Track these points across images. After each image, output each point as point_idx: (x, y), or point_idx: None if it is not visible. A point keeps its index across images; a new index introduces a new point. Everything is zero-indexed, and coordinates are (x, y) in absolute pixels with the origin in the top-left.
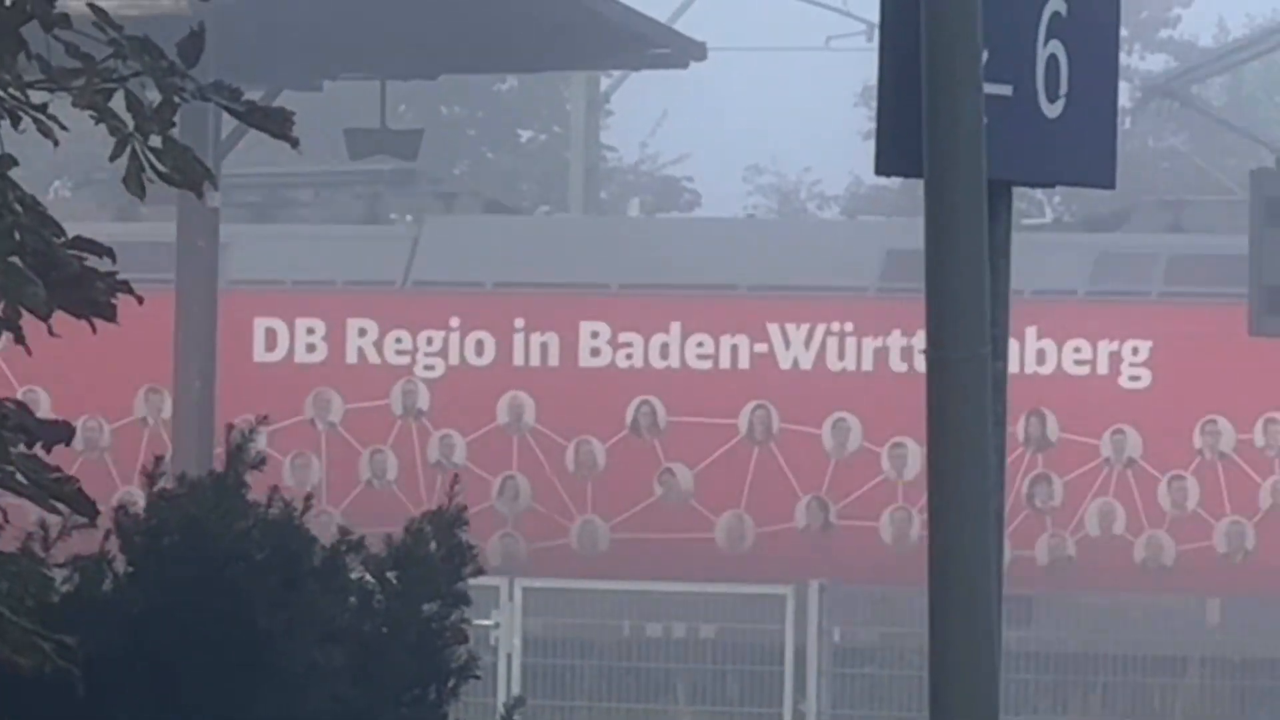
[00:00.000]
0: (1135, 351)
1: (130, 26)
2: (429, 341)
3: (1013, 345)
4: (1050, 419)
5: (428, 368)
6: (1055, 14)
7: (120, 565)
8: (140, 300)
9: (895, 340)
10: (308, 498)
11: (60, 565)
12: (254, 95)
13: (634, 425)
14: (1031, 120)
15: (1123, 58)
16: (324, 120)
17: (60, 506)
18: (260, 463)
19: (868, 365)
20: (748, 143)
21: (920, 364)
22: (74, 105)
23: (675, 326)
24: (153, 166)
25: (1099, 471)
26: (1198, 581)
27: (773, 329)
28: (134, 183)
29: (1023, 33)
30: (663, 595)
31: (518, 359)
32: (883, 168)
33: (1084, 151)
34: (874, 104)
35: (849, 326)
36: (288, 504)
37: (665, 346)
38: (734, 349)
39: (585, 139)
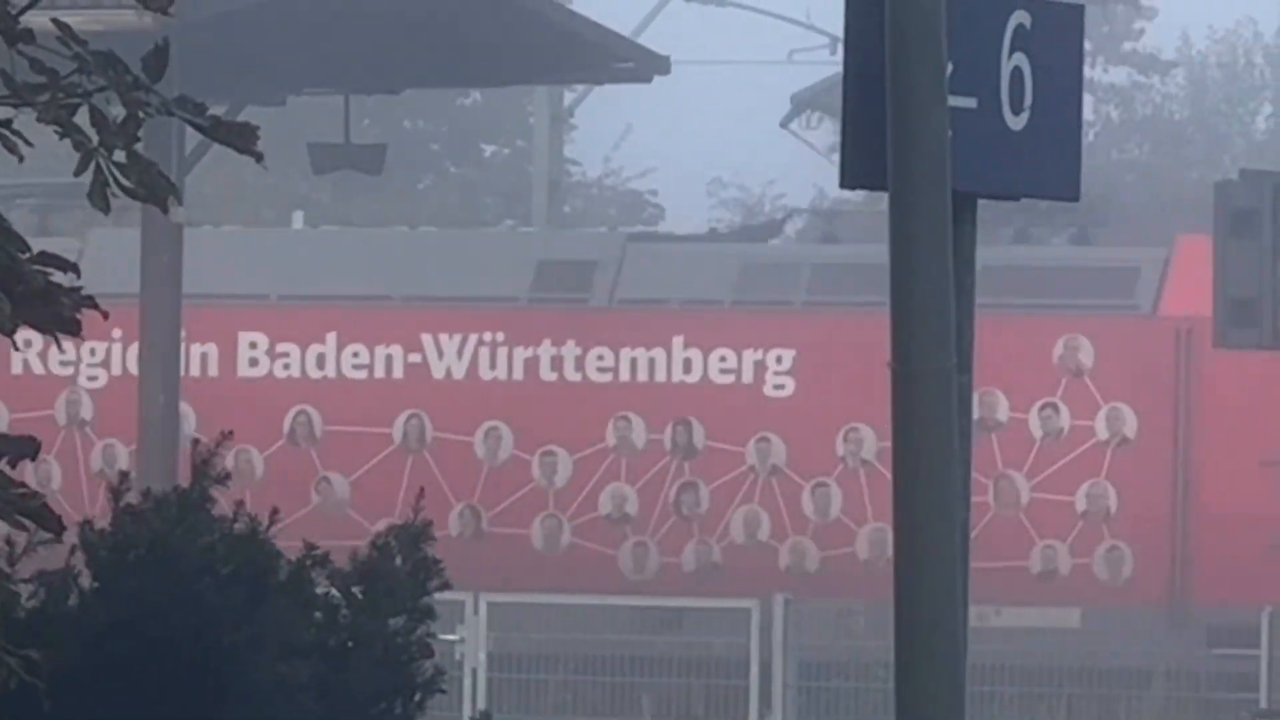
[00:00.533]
0: (779, 360)
1: (94, 42)
2: (92, 352)
3: (659, 354)
4: (697, 427)
5: (91, 378)
6: (1019, 27)
7: (86, 580)
8: (106, 315)
9: (545, 350)
10: (273, 513)
11: (26, 580)
12: (218, 110)
13: (291, 435)
14: (996, 133)
15: (1086, 70)
16: (288, 135)
17: (25, 521)
18: (226, 478)
19: (519, 374)
20: (712, 156)
21: (569, 373)
22: (39, 120)
23: (331, 337)
24: (117, 181)
25: (744, 479)
26: (841, 587)
27: (426, 339)
28: (99, 197)
29: (987, 46)
30: (626, 610)
31: None
32: (847, 181)
33: (1048, 163)
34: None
35: (500, 336)
36: (253, 519)
37: (322, 357)
38: (388, 359)
39: (549, 153)
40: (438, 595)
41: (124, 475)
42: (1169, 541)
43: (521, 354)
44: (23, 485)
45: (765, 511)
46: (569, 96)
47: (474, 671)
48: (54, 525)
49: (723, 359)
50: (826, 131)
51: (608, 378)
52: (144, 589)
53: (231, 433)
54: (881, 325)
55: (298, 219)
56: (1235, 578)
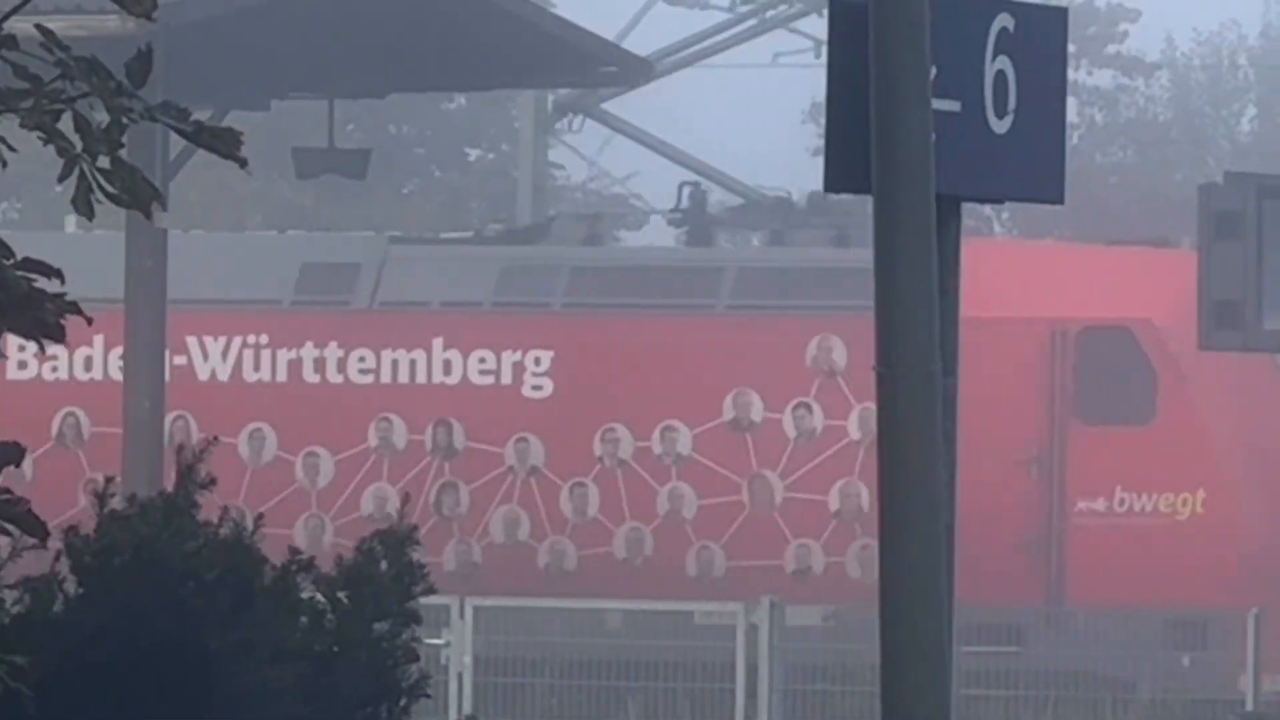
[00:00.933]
0: (538, 362)
1: (78, 47)
2: None
3: (420, 356)
4: (457, 428)
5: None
6: (1003, 30)
7: (71, 586)
8: (90, 321)
9: (309, 352)
10: (259, 517)
11: (10, 586)
12: (202, 115)
13: (59, 437)
14: (980, 136)
15: (1070, 73)
16: (272, 140)
17: (9, 527)
18: (211, 483)
19: (282, 376)
20: (696, 160)
21: (332, 375)
22: (22, 126)
23: (99, 340)
24: (101, 187)
25: (504, 479)
26: (599, 586)
27: (191, 341)
28: (82, 203)
29: (971, 49)
30: (613, 613)
31: None
32: (831, 184)
33: (1032, 167)
34: (822, 121)
35: (264, 339)
36: (238, 524)
37: (89, 359)
38: None
39: (534, 157)
40: (423, 599)
41: (108, 480)
42: None
43: (285, 356)
44: (6, 491)
45: (524, 511)
46: (553, 100)
47: (460, 676)
48: (38, 530)
49: (482, 360)
50: (590, 135)
51: (369, 379)
52: (129, 594)
53: (216, 438)
54: (639, 327)
55: (70, 222)
56: (986, 576)
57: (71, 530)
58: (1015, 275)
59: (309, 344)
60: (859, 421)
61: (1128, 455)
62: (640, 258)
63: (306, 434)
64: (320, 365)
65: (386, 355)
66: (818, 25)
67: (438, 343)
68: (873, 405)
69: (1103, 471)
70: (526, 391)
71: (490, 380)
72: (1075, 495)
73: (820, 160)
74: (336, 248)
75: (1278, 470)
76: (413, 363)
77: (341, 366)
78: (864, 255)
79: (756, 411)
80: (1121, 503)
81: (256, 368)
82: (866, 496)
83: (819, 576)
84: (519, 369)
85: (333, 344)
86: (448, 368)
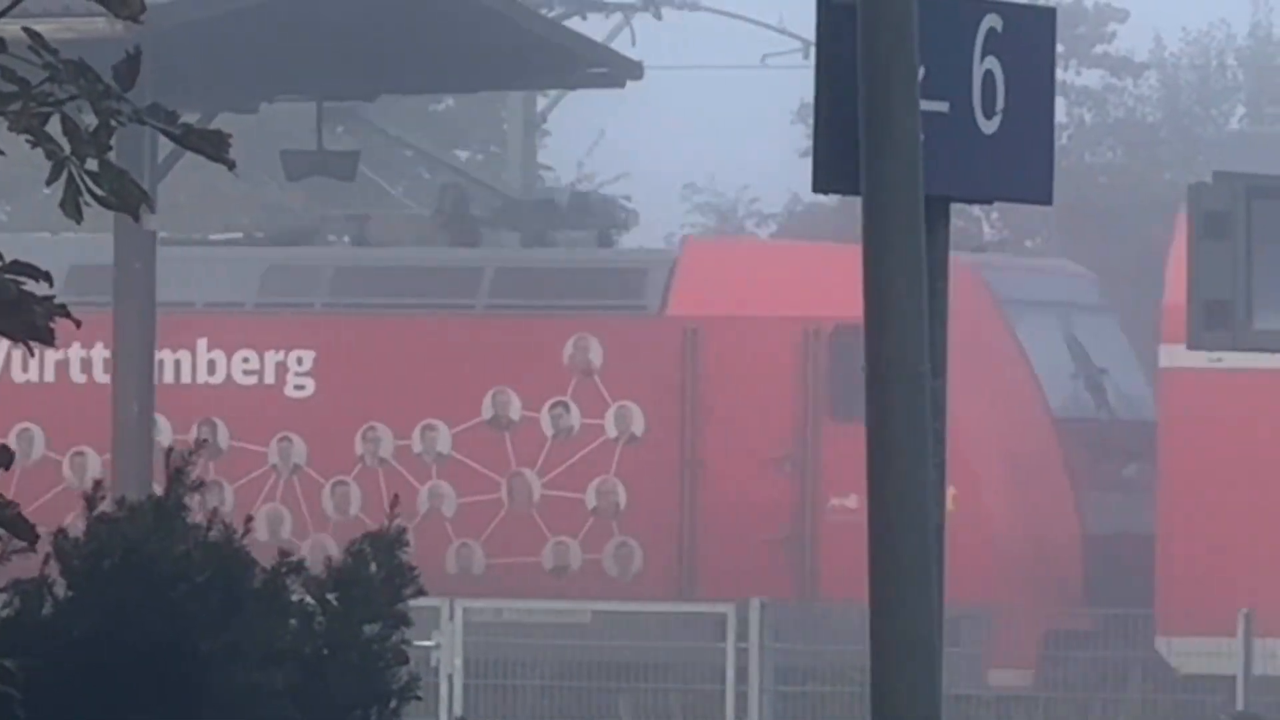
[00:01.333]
0: (300, 361)
1: (66, 50)
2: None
3: (184, 356)
4: (221, 427)
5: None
6: (991, 30)
7: (60, 589)
8: (78, 324)
9: (75, 352)
10: (248, 519)
11: (0, 590)
12: (190, 118)
13: None
14: (968, 136)
15: (1059, 73)
16: (261, 142)
17: None
18: (199, 486)
19: (50, 377)
20: (685, 161)
21: (98, 375)
22: (10, 129)
23: None
24: (89, 190)
25: (267, 478)
26: None
27: None
28: (70, 206)
29: (959, 49)
30: (603, 614)
31: None
32: (820, 185)
33: (1021, 167)
34: (811, 121)
35: None
36: (227, 526)
37: None
38: None
39: (523, 159)
40: (413, 601)
41: (97, 484)
42: (676, 537)
43: (53, 356)
44: None
45: (287, 509)
46: (542, 102)
47: (450, 678)
48: (28, 534)
49: (245, 360)
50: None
51: None
52: (119, 597)
53: (205, 441)
54: (400, 327)
55: None
56: (738, 571)
57: (60, 533)
58: (769, 274)
59: (76, 344)
60: (615, 420)
61: None
62: (401, 258)
63: (74, 434)
64: (87, 365)
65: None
66: (807, 26)
67: (202, 343)
68: (627, 403)
69: (855, 468)
70: (289, 391)
71: (254, 380)
72: (828, 492)
73: (809, 161)
74: (105, 249)
75: (1029, 469)
76: (178, 362)
77: (108, 366)
78: (624, 256)
79: (515, 410)
80: None
81: (25, 368)
82: (623, 494)
83: (576, 573)
84: (282, 369)
85: (99, 344)
86: (212, 367)
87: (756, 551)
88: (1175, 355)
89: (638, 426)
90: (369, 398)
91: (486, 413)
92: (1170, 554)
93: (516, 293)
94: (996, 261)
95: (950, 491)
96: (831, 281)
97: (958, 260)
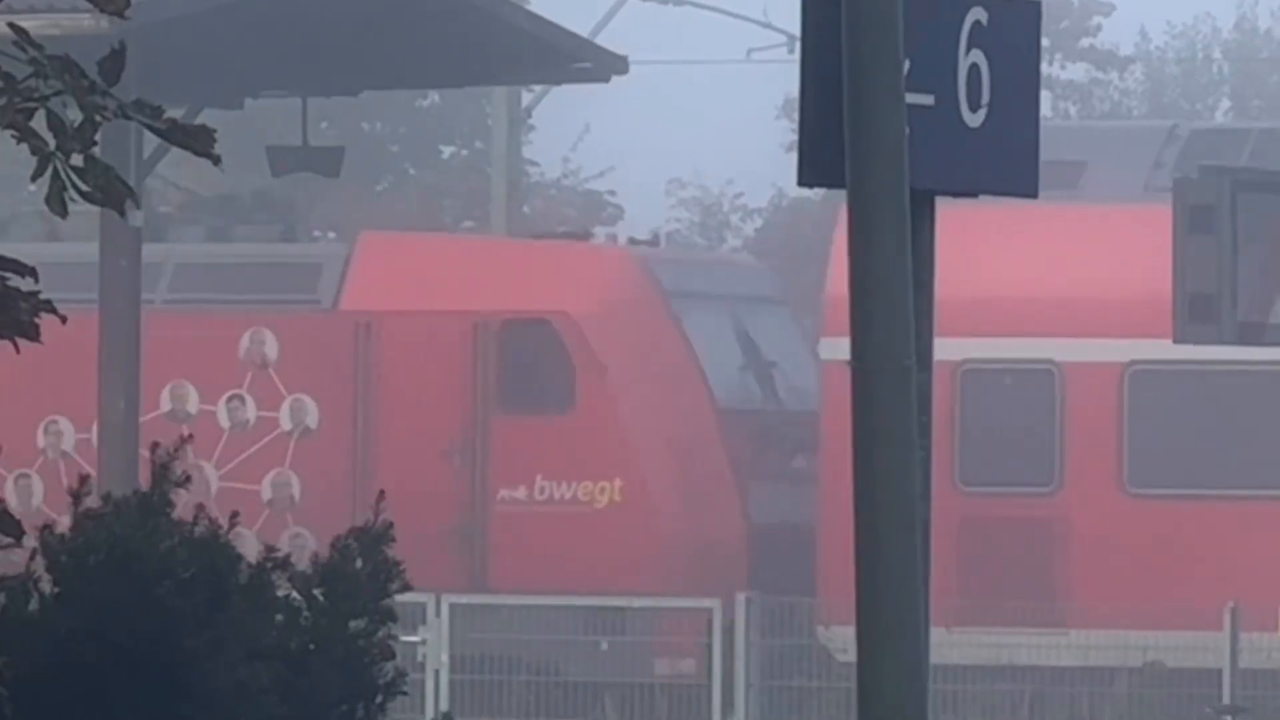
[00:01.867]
0: None
1: (51, 45)
2: None
3: None
4: None
5: None
6: (976, 23)
7: (46, 585)
8: (64, 320)
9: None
10: (233, 515)
11: None
12: (176, 113)
13: None
14: (954, 130)
15: (1044, 67)
16: (246, 138)
17: None
18: (186, 481)
19: None
20: (670, 156)
21: None
22: None
23: None
24: (75, 185)
25: None
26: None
27: None
28: (56, 201)
29: (944, 42)
30: (588, 609)
31: None
32: (805, 179)
33: (1006, 160)
34: (796, 116)
35: None
36: (213, 522)
37: None
38: None
39: (507, 154)
40: (399, 597)
41: (83, 479)
42: (349, 529)
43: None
44: None
45: None
46: (527, 97)
47: (436, 673)
48: (13, 530)
49: None
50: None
51: None
52: (105, 593)
53: (191, 436)
54: (78, 321)
55: None
56: (410, 562)
57: (47, 529)
58: (441, 269)
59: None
60: (290, 413)
61: (548, 445)
62: (79, 256)
63: None
64: None
65: None
66: (792, 20)
67: None
68: (302, 396)
69: (524, 461)
70: None
71: None
72: (497, 484)
73: (794, 156)
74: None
75: (694, 460)
76: None
77: None
78: (299, 251)
79: (192, 403)
80: (542, 491)
81: None
82: (297, 485)
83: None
84: None
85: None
86: None
87: (428, 543)
88: (836, 348)
89: (312, 420)
90: (51, 391)
91: (165, 405)
92: (831, 543)
93: (194, 287)
94: (665, 254)
95: (616, 483)
96: (503, 276)
97: (625, 254)
